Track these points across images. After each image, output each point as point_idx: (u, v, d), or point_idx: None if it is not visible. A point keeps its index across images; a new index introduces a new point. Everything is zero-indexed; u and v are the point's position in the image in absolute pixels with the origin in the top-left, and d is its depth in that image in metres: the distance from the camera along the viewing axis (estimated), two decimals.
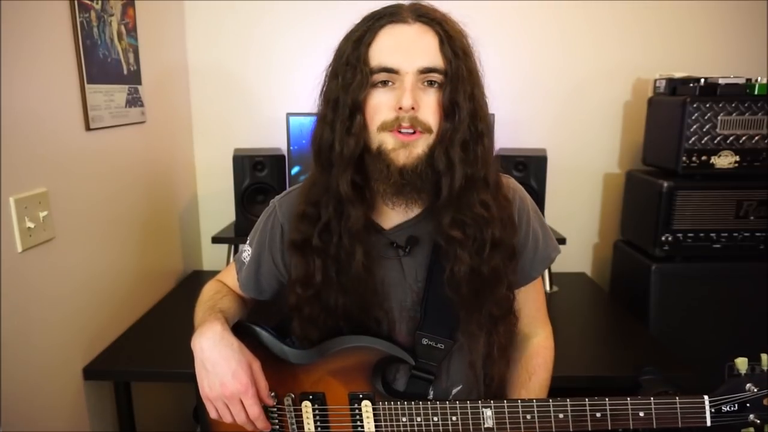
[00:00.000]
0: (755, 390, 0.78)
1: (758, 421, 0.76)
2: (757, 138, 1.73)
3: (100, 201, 1.47)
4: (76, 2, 1.33)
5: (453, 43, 0.81)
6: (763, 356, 0.78)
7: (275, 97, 2.08)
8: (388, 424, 0.88)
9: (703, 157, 1.74)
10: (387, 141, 0.81)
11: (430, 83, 0.81)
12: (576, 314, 1.78)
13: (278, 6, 2.02)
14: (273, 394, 0.91)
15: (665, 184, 1.76)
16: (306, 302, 0.92)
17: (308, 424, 0.91)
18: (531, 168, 1.86)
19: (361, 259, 0.86)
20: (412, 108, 0.79)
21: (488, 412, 0.82)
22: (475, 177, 0.83)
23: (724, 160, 1.75)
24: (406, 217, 0.92)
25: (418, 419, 0.86)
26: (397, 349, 0.90)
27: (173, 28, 1.97)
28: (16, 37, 1.14)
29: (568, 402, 0.80)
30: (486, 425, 0.82)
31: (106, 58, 1.49)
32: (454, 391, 0.99)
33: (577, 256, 2.21)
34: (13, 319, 1.14)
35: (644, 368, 1.36)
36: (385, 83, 0.81)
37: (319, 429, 0.92)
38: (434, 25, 0.82)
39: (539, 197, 1.85)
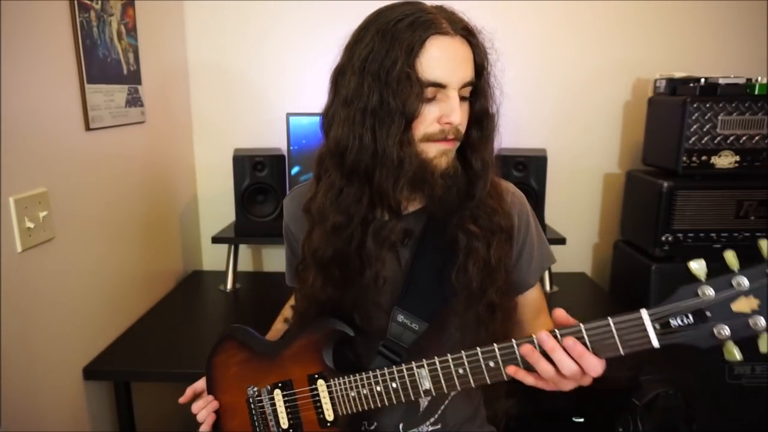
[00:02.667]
0: (712, 294, 0.59)
1: (728, 333, 0.58)
2: (757, 138, 1.73)
3: (100, 201, 1.47)
4: (76, 2, 1.33)
5: (482, 55, 0.85)
6: (762, 243, 0.60)
7: (275, 97, 2.08)
8: (342, 399, 0.90)
9: (703, 157, 1.74)
10: (429, 150, 0.83)
11: (463, 97, 0.84)
12: (576, 314, 1.76)
13: (278, 6, 2.01)
14: (255, 388, 0.98)
15: (665, 184, 1.76)
16: (308, 304, 0.95)
17: (281, 411, 0.95)
18: (531, 168, 1.86)
19: (384, 265, 0.89)
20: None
21: (423, 372, 0.81)
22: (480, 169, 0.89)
23: (724, 160, 1.75)
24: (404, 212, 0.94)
25: (364, 391, 0.87)
26: (336, 321, 0.92)
27: (173, 28, 1.97)
28: (16, 36, 1.14)
29: (496, 347, 0.76)
30: (424, 387, 0.81)
31: (106, 58, 1.49)
32: (453, 391, 0.99)
33: (577, 256, 2.21)
34: (13, 319, 1.13)
35: (644, 368, 1.36)
36: (432, 96, 0.82)
37: (290, 414, 0.94)
38: (470, 38, 0.84)
39: (539, 197, 1.85)
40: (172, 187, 1.96)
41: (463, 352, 0.79)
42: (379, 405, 0.86)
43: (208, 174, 2.17)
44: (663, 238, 1.79)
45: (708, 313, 0.59)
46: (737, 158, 1.74)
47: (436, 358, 0.81)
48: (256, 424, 0.98)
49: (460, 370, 0.79)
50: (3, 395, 1.10)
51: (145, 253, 1.75)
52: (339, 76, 0.84)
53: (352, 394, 0.88)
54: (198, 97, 2.10)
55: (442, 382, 0.80)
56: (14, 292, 1.14)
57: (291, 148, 1.88)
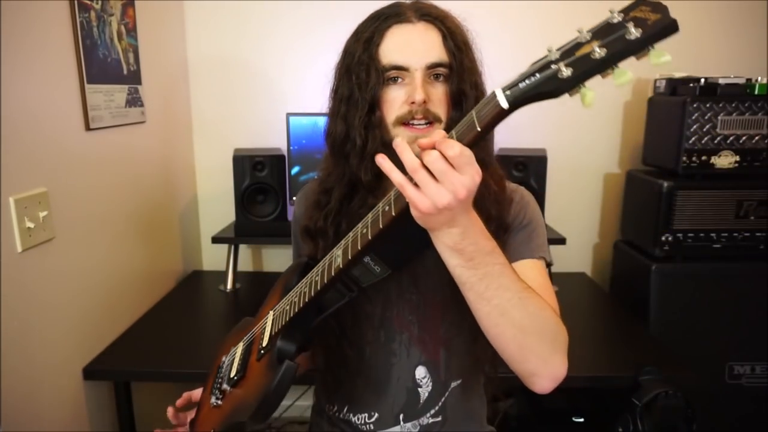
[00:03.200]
0: (556, 50, 0.57)
1: (570, 71, 0.55)
2: (757, 138, 1.73)
3: (100, 201, 1.48)
4: (76, 2, 1.33)
5: (455, 38, 0.87)
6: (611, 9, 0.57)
7: (275, 97, 2.08)
8: (278, 318, 0.87)
9: (703, 157, 1.74)
10: (401, 135, 0.86)
11: (437, 77, 0.87)
12: (576, 314, 1.78)
13: (278, 6, 2.02)
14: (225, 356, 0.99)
15: (665, 184, 1.76)
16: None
17: (235, 363, 0.91)
18: (531, 168, 1.86)
19: None
20: (424, 101, 0.84)
21: (338, 251, 0.77)
22: (477, 159, 0.86)
23: (724, 160, 1.75)
24: None
25: (295, 299, 0.84)
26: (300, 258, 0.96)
27: (173, 28, 1.97)
28: (16, 37, 1.14)
29: (391, 193, 0.68)
30: (335, 264, 0.76)
31: (106, 58, 1.49)
32: (453, 384, 0.99)
33: (577, 256, 2.21)
34: (13, 319, 1.13)
35: (644, 368, 1.36)
36: (396, 80, 0.87)
37: (240, 363, 0.90)
38: (436, 22, 0.87)
39: (539, 197, 1.85)
40: (172, 187, 1.96)
41: (357, 228, 0.74)
42: (302, 305, 0.81)
43: (208, 174, 2.17)
44: (663, 238, 1.79)
45: (553, 66, 0.57)
46: (737, 158, 1.74)
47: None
48: (213, 386, 0.93)
49: (364, 231, 0.73)
50: (3, 395, 1.10)
51: (145, 253, 1.75)
52: (334, 75, 0.94)
53: (286, 307, 0.86)
54: (198, 97, 2.10)
55: (349, 246, 0.74)
56: (14, 292, 1.14)
57: (291, 148, 1.88)
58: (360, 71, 0.87)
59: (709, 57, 2.02)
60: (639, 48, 0.55)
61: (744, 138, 1.73)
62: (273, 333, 0.86)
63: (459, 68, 0.87)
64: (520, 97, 0.58)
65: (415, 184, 0.63)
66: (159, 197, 1.86)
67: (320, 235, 0.95)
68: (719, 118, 1.72)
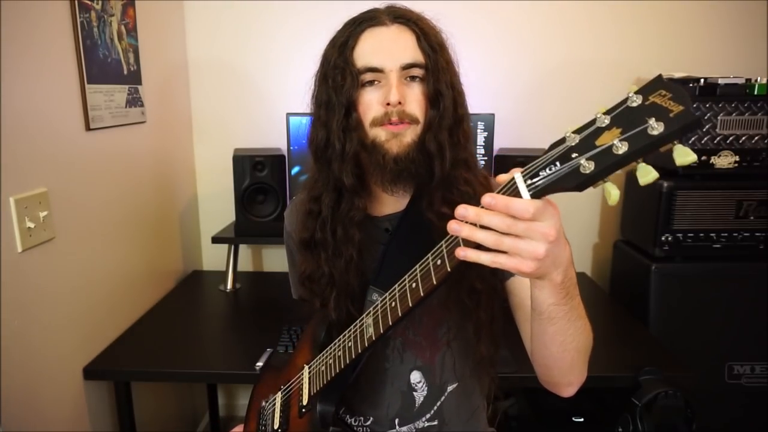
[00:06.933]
0: (576, 137, 0.56)
1: (593, 166, 0.54)
2: (757, 138, 1.73)
3: (100, 201, 1.48)
4: (76, 2, 1.33)
5: (429, 39, 0.88)
6: (631, 88, 0.55)
7: (275, 97, 2.08)
8: (315, 377, 0.92)
9: (703, 157, 1.74)
10: (380, 134, 0.87)
11: (413, 78, 0.87)
12: None
13: (278, 6, 2.02)
14: (265, 401, 1.03)
15: (665, 184, 1.76)
16: (315, 294, 0.98)
17: (276, 413, 0.98)
18: None
19: (357, 246, 0.92)
20: (399, 103, 0.85)
21: (369, 320, 0.80)
22: (459, 158, 0.90)
23: (724, 160, 1.75)
24: (396, 209, 0.97)
25: (330, 361, 0.88)
26: (322, 310, 0.97)
27: (173, 28, 1.97)
28: (17, 37, 1.14)
29: (417, 267, 0.71)
30: (367, 334, 0.80)
31: (106, 58, 1.49)
32: (450, 388, 0.99)
33: (577, 256, 2.21)
34: (14, 319, 1.14)
35: (644, 368, 1.36)
36: (371, 82, 0.87)
37: (281, 414, 0.96)
38: (410, 24, 0.88)
39: None
40: (172, 187, 1.96)
41: (396, 286, 0.76)
42: (337, 370, 0.86)
43: (208, 174, 2.17)
44: (663, 238, 1.79)
45: (574, 155, 0.56)
46: (737, 158, 1.74)
47: (378, 301, 0.80)
48: None
49: (392, 303, 0.75)
50: (3, 395, 1.10)
51: (145, 253, 1.75)
52: (313, 81, 0.95)
53: (322, 368, 0.90)
54: (198, 97, 2.10)
55: (380, 318, 0.77)
56: (14, 292, 1.14)
57: (291, 148, 1.88)
58: (336, 75, 0.87)
59: (709, 57, 2.02)
60: (662, 144, 0.53)
61: (744, 138, 1.73)
62: (312, 393, 0.91)
63: (434, 68, 0.87)
64: (541, 192, 0.59)
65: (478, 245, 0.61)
66: (159, 197, 1.86)
67: (321, 245, 0.95)
68: (719, 118, 1.72)
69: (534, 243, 0.60)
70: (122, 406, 1.48)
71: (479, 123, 1.85)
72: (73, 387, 1.35)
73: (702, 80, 1.76)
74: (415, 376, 0.98)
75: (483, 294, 0.90)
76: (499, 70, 2.05)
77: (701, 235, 1.79)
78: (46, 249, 1.24)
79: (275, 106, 2.06)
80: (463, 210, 0.61)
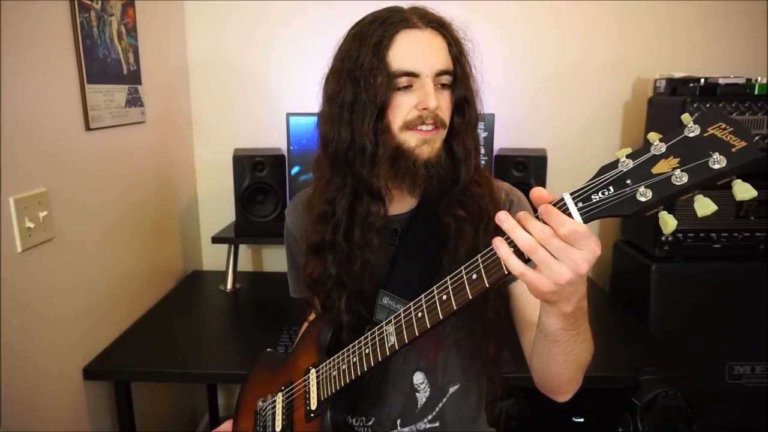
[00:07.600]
0: (630, 163, 0.55)
1: (651, 194, 0.53)
2: (757, 138, 1.73)
3: (100, 201, 1.47)
4: (76, 2, 1.33)
5: (458, 46, 0.89)
6: (685, 117, 0.56)
7: (275, 97, 2.08)
8: (325, 382, 0.91)
9: None
10: (409, 139, 0.86)
11: (443, 85, 0.88)
12: None
13: (278, 6, 2.02)
14: (262, 400, 1.02)
15: None
16: (322, 296, 0.98)
17: (278, 413, 0.97)
18: (531, 168, 1.86)
19: (374, 251, 0.91)
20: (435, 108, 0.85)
21: (390, 329, 0.80)
22: (477, 163, 0.93)
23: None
24: (402, 210, 0.97)
25: (344, 367, 0.87)
26: (329, 312, 0.96)
27: (173, 27, 1.97)
28: (17, 37, 1.14)
29: (448, 280, 0.71)
30: (389, 343, 0.80)
31: (106, 58, 1.49)
32: (452, 389, 0.99)
33: None
34: (13, 319, 1.13)
35: (644, 368, 1.36)
36: (406, 87, 0.86)
37: (284, 415, 0.96)
38: (442, 30, 0.88)
39: None
40: (172, 187, 1.96)
41: (422, 296, 0.76)
42: (353, 377, 0.85)
43: (208, 174, 2.17)
44: (663, 238, 1.79)
45: (628, 181, 0.55)
46: None
47: (400, 308, 0.80)
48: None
49: (419, 314, 0.75)
50: (3, 395, 1.10)
51: (145, 253, 1.75)
52: (325, 80, 0.92)
53: (334, 373, 0.89)
54: (198, 97, 2.10)
55: (404, 328, 0.77)
56: (14, 292, 1.14)
57: (291, 148, 1.88)
58: (368, 76, 0.84)
59: (709, 57, 2.02)
60: (722, 178, 0.52)
61: None
62: (322, 398, 0.90)
63: (462, 75, 0.89)
64: (594, 216, 0.59)
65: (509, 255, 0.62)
66: (159, 197, 1.86)
67: (330, 248, 0.93)
68: None
69: (563, 267, 0.60)
70: (122, 406, 1.48)
71: (479, 123, 1.85)
72: (72, 387, 1.35)
73: (702, 80, 1.76)
74: (418, 377, 0.98)
75: (491, 294, 0.90)
76: (499, 70, 2.04)
77: (701, 235, 1.79)
78: (45, 249, 1.24)
79: (275, 106, 2.06)
80: (502, 217, 0.63)
